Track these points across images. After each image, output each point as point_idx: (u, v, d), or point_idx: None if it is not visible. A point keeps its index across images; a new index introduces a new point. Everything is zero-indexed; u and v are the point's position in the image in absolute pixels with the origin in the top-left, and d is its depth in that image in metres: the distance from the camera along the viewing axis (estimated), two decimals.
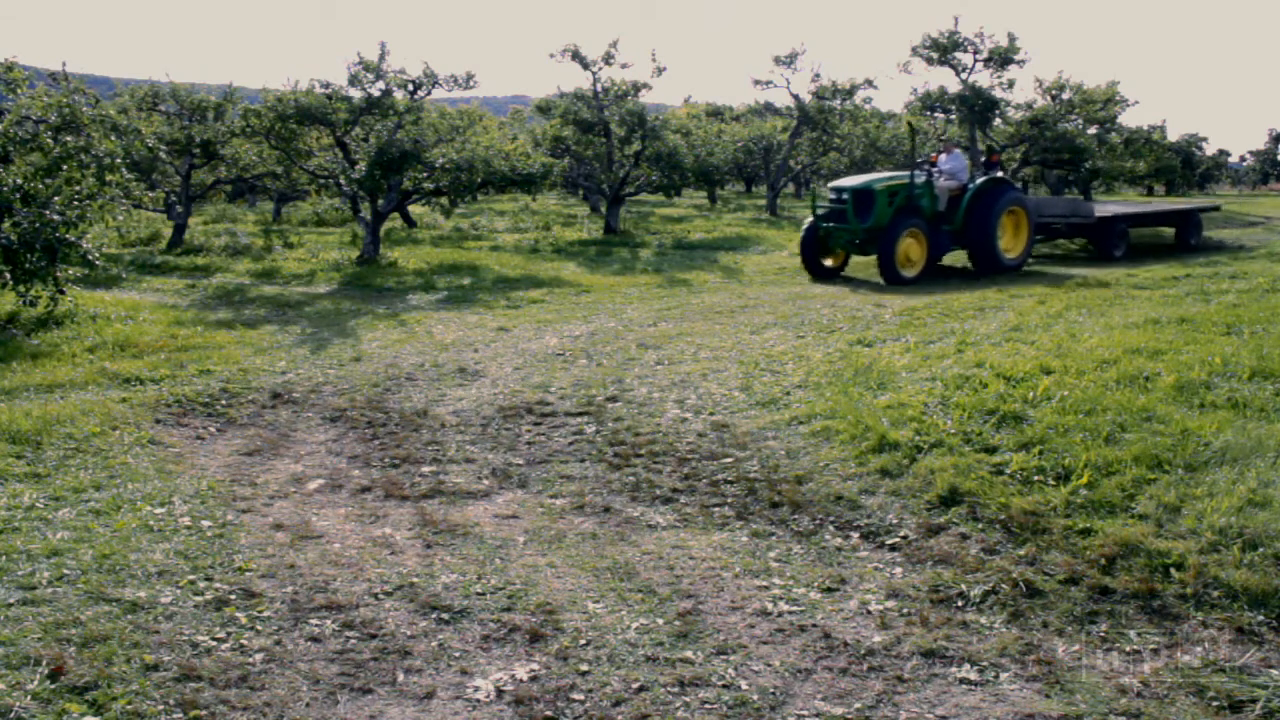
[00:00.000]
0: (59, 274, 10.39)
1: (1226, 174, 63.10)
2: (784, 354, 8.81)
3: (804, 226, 15.41)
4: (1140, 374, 6.41)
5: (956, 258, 16.38)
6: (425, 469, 6.19)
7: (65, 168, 10.58)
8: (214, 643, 3.85)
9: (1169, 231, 20.00)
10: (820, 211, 15.25)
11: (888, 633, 4.01)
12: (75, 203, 10.41)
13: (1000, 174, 15.98)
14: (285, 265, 16.03)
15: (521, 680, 3.67)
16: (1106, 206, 19.25)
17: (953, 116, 28.76)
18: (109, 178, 11.02)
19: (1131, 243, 18.37)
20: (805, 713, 3.46)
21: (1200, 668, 3.63)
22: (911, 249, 14.51)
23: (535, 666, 3.76)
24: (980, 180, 15.53)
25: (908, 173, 15.20)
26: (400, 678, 3.68)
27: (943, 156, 16.09)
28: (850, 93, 29.75)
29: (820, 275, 15.16)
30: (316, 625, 4.04)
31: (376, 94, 16.99)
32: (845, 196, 14.88)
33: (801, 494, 5.49)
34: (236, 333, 10.32)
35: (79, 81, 13.72)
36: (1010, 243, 15.72)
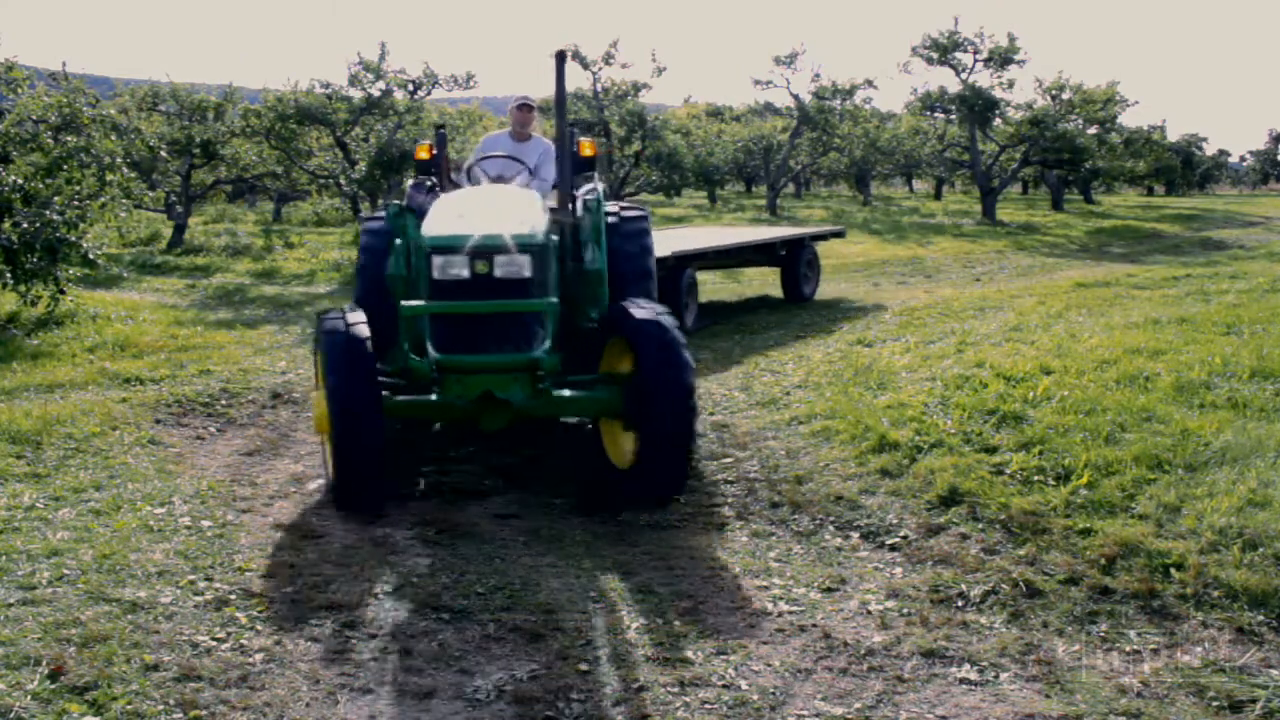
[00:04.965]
0: (59, 274, 10.39)
1: (1226, 174, 63.12)
2: (784, 354, 8.81)
3: (324, 342, 5.22)
4: (1140, 374, 6.40)
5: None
6: (425, 468, 6.19)
7: (65, 168, 10.58)
8: (214, 643, 3.84)
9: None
10: (421, 301, 5.41)
11: (888, 633, 4.01)
12: (75, 203, 10.41)
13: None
14: (285, 265, 16.03)
15: (521, 680, 3.66)
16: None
17: (953, 117, 28.79)
18: (109, 177, 11.02)
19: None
20: (805, 713, 3.46)
21: (1200, 668, 3.63)
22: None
23: (535, 666, 3.76)
24: (591, 197, 6.38)
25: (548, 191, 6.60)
26: (400, 678, 3.68)
27: (500, 134, 7.50)
28: (850, 93, 29.74)
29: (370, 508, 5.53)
30: (316, 625, 4.04)
31: (376, 94, 17.02)
32: (511, 269, 5.25)
33: (801, 494, 5.49)
34: (236, 333, 10.32)
35: (79, 81, 13.75)
36: None
